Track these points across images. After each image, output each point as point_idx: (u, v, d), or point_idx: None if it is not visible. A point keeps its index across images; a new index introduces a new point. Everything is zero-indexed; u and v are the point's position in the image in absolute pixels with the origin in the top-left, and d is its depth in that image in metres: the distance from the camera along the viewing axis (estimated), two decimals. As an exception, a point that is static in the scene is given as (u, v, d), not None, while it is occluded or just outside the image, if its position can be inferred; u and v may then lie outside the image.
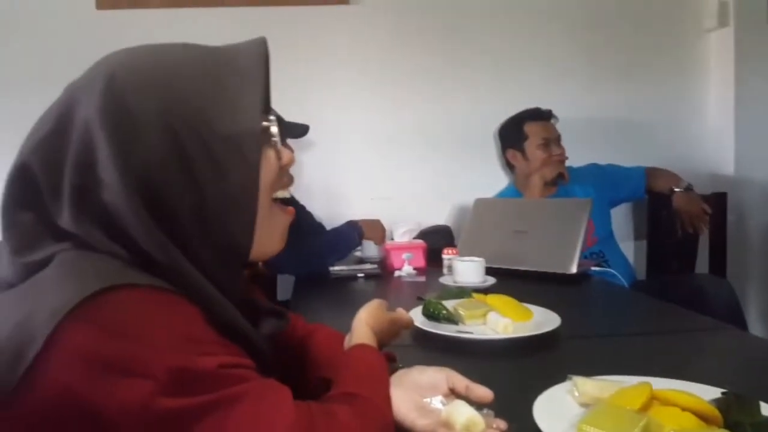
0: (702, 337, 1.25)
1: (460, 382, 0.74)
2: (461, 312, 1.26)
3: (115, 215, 0.58)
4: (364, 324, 0.82)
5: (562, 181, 2.36)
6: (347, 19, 2.53)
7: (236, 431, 0.54)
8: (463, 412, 0.68)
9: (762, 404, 0.75)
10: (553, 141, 2.38)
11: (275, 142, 0.68)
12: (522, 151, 2.42)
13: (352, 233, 2.09)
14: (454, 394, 0.74)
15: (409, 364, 0.80)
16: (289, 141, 2.05)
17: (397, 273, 1.96)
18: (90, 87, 0.60)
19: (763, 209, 2.52)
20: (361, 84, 2.56)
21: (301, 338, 0.91)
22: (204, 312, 0.59)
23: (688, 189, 2.33)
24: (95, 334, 0.51)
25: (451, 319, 1.25)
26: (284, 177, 0.71)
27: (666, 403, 0.73)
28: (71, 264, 0.57)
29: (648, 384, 0.77)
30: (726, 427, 0.70)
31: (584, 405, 0.78)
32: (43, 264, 0.58)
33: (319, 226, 2.27)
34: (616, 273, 2.02)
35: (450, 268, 1.79)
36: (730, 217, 2.39)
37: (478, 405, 0.71)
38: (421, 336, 1.19)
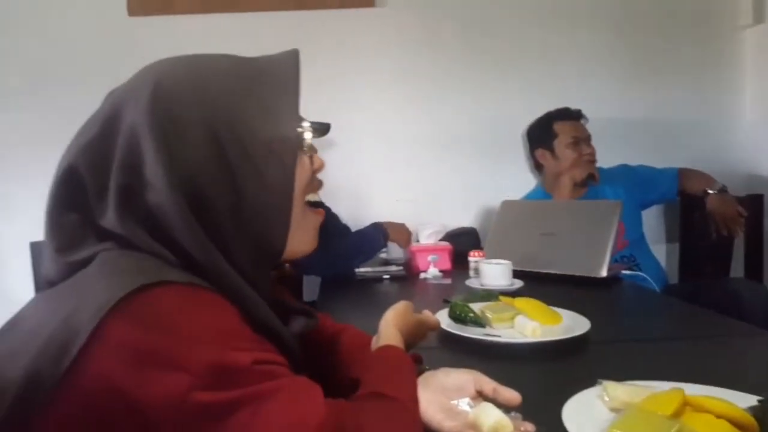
0: (737, 342, 1.22)
1: (488, 384, 0.74)
2: (488, 315, 1.25)
3: (159, 216, 0.60)
4: (391, 325, 0.83)
5: (593, 181, 2.33)
6: (373, 21, 2.54)
7: (268, 426, 0.55)
8: (491, 415, 0.68)
9: (800, 412, 0.72)
10: (583, 140, 2.35)
11: (308, 148, 0.71)
12: (551, 150, 2.40)
13: (377, 235, 2.09)
14: (481, 396, 0.74)
15: (436, 366, 0.80)
16: (313, 141, 2.06)
17: (422, 275, 1.96)
18: (136, 93, 0.63)
19: (801, 211, 2.45)
20: (387, 85, 2.57)
21: (329, 337, 0.92)
22: (240, 310, 0.61)
23: (723, 190, 2.28)
24: (137, 329, 0.53)
25: (478, 321, 1.24)
26: (314, 181, 0.74)
27: (699, 409, 0.72)
28: (114, 262, 0.59)
29: (680, 390, 0.75)
30: (762, 435, 0.68)
31: (614, 410, 0.77)
32: (85, 263, 0.60)
33: (345, 228, 2.28)
34: (647, 277, 1.98)
35: (476, 270, 1.78)
36: (767, 220, 2.32)
37: (506, 408, 0.71)
38: (448, 338, 1.18)
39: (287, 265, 1.97)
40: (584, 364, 1.09)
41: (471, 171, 2.60)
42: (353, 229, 2.24)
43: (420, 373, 0.78)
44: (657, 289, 2.02)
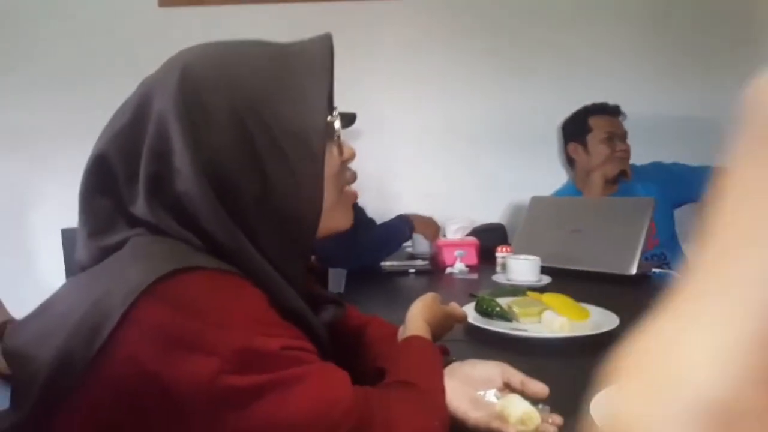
0: None
1: (516, 376, 0.74)
2: (515, 309, 1.24)
3: (186, 203, 0.60)
4: (418, 316, 0.83)
5: (625, 178, 2.29)
6: (401, 13, 2.53)
7: (296, 411, 0.55)
8: (518, 406, 0.67)
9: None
10: (617, 136, 2.30)
11: (338, 137, 0.70)
12: (584, 144, 2.35)
13: (403, 227, 2.08)
14: (508, 388, 0.74)
15: (462, 359, 0.80)
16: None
17: (448, 270, 1.95)
18: (165, 81, 0.63)
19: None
20: (414, 79, 2.56)
21: (356, 328, 0.92)
22: (268, 296, 0.61)
23: (759, 190, 2.22)
24: (167, 313, 0.54)
25: (505, 316, 1.23)
26: (346, 172, 0.74)
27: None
28: (145, 247, 0.60)
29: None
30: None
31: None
32: (117, 247, 0.61)
33: (371, 221, 2.28)
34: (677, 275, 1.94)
35: (503, 266, 1.76)
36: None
37: (534, 400, 0.70)
38: (474, 332, 1.18)
39: (313, 257, 1.98)
40: (613, 361, 1.08)
41: (500, 166, 2.57)
42: (379, 221, 2.24)
43: (447, 364, 0.78)
44: (688, 288, 1.98)
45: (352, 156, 0.73)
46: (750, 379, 0.22)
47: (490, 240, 2.13)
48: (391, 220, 2.12)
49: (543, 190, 2.36)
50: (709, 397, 0.22)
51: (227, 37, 0.71)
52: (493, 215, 2.54)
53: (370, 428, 0.58)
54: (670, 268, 2.05)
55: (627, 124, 2.35)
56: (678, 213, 2.38)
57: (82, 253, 0.64)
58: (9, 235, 2.50)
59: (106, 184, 0.64)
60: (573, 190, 2.40)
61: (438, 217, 2.24)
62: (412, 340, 0.78)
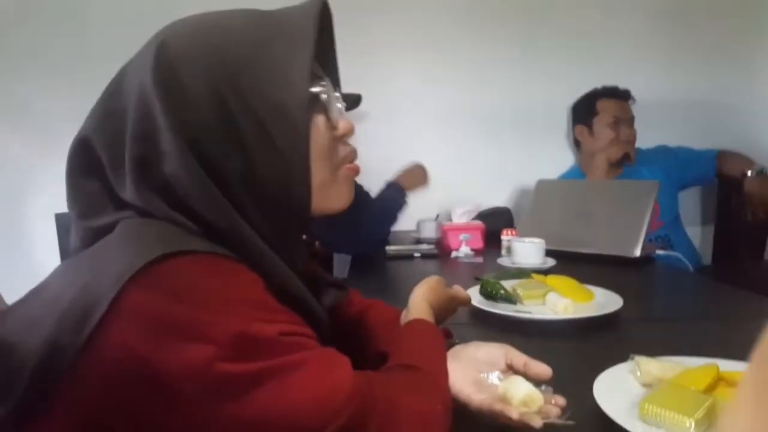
0: (774, 323, 1.20)
1: (519, 358, 0.74)
2: (520, 292, 1.24)
3: (176, 184, 0.58)
4: (422, 299, 0.82)
5: (628, 162, 2.28)
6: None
7: (296, 398, 0.53)
8: (521, 388, 0.67)
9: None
10: (624, 121, 2.30)
11: (327, 109, 0.67)
12: (590, 126, 2.35)
13: (397, 195, 2.00)
14: (512, 370, 0.74)
15: (466, 341, 0.80)
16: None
17: (453, 254, 1.95)
18: (143, 59, 0.62)
19: None
20: (423, 59, 2.53)
21: (358, 312, 0.91)
22: (265, 280, 0.60)
23: (761, 173, 2.21)
24: (158, 298, 0.52)
25: (509, 298, 1.24)
26: (342, 148, 0.70)
27: (733, 384, 0.71)
28: (135, 230, 0.58)
29: (715, 365, 0.74)
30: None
31: (647, 385, 0.77)
32: (107, 229, 0.59)
33: (367, 196, 2.23)
34: (681, 257, 1.95)
35: (509, 249, 1.77)
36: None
37: (536, 382, 0.70)
38: (479, 314, 1.19)
39: (317, 243, 1.97)
40: (616, 341, 1.09)
41: (507, 150, 2.57)
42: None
43: (450, 347, 0.77)
44: (691, 269, 1.99)
45: (349, 131, 0.69)
46: None
47: (496, 223, 2.13)
48: (384, 191, 2.03)
49: (549, 174, 2.36)
50: None
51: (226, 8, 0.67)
52: (500, 199, 2.54)
53: (373, 413, 0.57)
54: (673, 250, 2.05)
55: (636, 108, 2.34)
56: (681, 195, 2.38)
57: (74, 236, 0.63)
58: (4, 218, 2.46)
59: (91, 168, 0.62)
60: (578, 173, 2.40)
61: (444, 202, 2.23)
62: (415, 323, 0.77)
